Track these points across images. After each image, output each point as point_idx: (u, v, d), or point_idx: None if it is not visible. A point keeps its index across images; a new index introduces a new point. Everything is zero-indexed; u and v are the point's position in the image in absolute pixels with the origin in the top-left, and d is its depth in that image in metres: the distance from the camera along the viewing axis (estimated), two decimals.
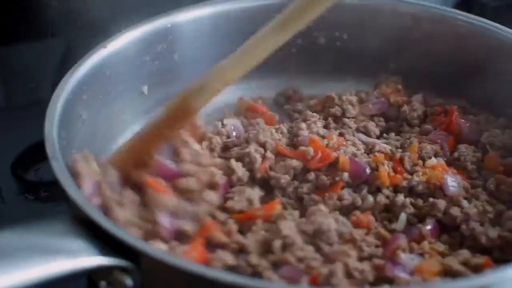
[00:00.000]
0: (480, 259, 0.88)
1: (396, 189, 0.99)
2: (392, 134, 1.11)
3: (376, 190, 0.99)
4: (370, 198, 0.98)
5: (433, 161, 1.02)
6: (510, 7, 1.45)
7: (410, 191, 0.99)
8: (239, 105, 1.19)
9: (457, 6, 1.30)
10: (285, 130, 1.09)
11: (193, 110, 0.94)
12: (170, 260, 0.75)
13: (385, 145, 1.06)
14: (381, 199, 0.98)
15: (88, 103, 1.02)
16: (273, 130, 1.07)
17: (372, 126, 1.12)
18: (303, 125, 1.08)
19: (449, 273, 0.86)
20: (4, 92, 1.41)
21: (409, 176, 1.00)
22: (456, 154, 1.05)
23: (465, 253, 0.89)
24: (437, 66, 1.17)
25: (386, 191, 0.98)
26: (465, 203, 0.96)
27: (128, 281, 0.78)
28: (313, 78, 1.22)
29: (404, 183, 0.99)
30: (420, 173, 0.99)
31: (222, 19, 1.17)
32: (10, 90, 1.42)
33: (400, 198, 0.97)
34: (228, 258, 0.86)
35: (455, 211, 0.94)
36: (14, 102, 1.40)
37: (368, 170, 1.00)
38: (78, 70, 1.01)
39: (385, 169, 1.00)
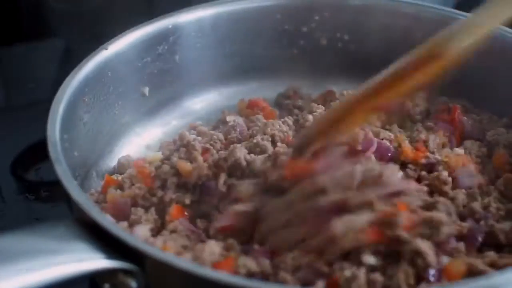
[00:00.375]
0: (508, 260, 0.87)
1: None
2: (395, 126, 1.11)
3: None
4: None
5: (460, 150, 1.03)
6: None
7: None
8: (240, 106, 1.18)
9: (458, 6, 1.30)
10: (290, 123, 1.09)
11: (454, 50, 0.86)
12: (174, 262, 0.75)
13: (389, 133, 1.06)
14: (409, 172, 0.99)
15: (89, 105, 1.02)
16: (280, 122, 1.07)
17: (373, 118, 1.11)
18: (310, 116, 1.08)
19: (473, 273, 0.85)
20: (4, 92, 1.41)
21: (430, 155, 1.01)
22: (462, 148, 1.05)
23: (491, 255, 0.89)
24: None
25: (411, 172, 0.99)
26: (480, 198, 0.96)
27: (133, 283, 0.78)
28: (314, 79, 1.23)
29: (424, 161, 0.99)
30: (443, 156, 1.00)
31: (223, 20, 1.17)
32: (10, 90, 1.42)
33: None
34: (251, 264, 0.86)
35: (476, 205, 0.94)
36: (14, 102, 1.40)
37: (392, 148, 1.01)
38: (80, 72, 1.01)
39: (407, 145, 1.01)
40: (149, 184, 0.99)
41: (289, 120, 1.09)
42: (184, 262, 0.76)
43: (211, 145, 1.02)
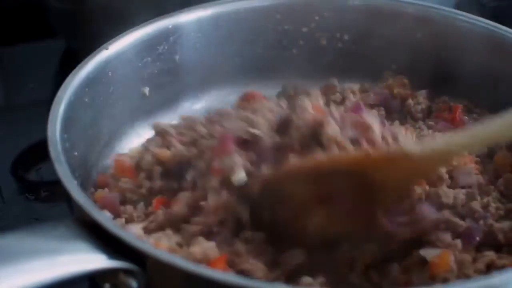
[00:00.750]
0: (506, 261, 0.88)
1: None
2: (397, 122, 1.11)
3: None
4: None
5: None
6: (510, 7, 1.45)
7: None
8: (237, 102, 1.19)
9: (458, 6, 1.30)
10: (285, 106, 1.07)
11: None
12: (175, 262, 0.75)
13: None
14: None
15: (90, 104, 1.01)
16: (273, 104, 1.05)
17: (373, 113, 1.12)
18: (306, 99, 1.07)
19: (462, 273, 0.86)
20: (4, 92, 1.41)
21: None
22: None
23: (490, 254, 0.89)
24: (438, 66, 1.17)
25: None
26: (479, 198, 0.96)
27: (133, 283, 0.77)
28: (314, 79, 1.22)
29: None
30: None
31: (224, 20, 1.16)
32: (10, 90, 1.42)
33: None
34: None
35: (475, 205, 0.94)
36: (14, 102, 1.40)
37: None
38: (80, 72, 1.00)
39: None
40: (132, 176, 1.00)
41: (283, 103, 1.07)
42: (186, 262, 0.76)
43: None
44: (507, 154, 1.04)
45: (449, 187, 0.98)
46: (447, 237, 0.90)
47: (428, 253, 0.88)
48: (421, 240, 0.91)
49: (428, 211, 0.92)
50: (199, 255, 0.85)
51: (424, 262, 0.88)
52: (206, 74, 1.19)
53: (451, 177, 0.99)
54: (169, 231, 0.90)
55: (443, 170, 0.98)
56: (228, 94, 1.21)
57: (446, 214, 0.93)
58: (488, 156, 1.05)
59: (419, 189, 0.95)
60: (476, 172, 1.00)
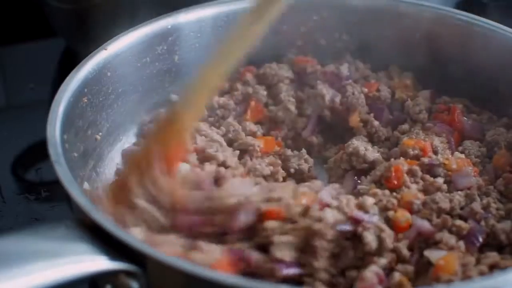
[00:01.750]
0: (509, 262, 0.88)
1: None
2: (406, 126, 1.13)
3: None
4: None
5: (461, 155, 1.03)
6: (510, 6, 1.45)
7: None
8: None
9: (458, 6, 1.30)
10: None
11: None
12: (176, 263, 0.75)
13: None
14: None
15: (89, 105, 1.02)
16: None
17: None
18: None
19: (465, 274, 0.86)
20: (4, 92, 1.41)
21: (433, 156, 1.02)
22: (460, 149, 1.06)
23: (493, 255, 0.89)
24: (438, 66, 1.17)
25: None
26: (479, 199, 0.96)
27: (134, 284, 0.78)
28: None
29: (427, 161, 1.00)
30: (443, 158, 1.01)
31: (223, 20, 1.16)
32: (10, 90, 1.42)
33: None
34: None
35: (476, 206, 0.94)
36: (14, 102, 1.40)
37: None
38: (79, 72, 1.01)
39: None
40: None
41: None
42: (186, 263, 0.76)
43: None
44: (506, 154, 1.04)
45: (448, 190, 0.98)
46: (451, 239, 0.90)
47: (433, 254, 0.88)
48: (426, 242, 0.91)
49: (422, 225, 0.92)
50: (200, 259, 0.85)
51: (427, 263, 0.89)
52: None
53: (450, 181, 0.99)
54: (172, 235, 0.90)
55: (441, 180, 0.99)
56: None
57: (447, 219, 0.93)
58: (487, 156, 1.05)
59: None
60: (475, 174, 1.00)
